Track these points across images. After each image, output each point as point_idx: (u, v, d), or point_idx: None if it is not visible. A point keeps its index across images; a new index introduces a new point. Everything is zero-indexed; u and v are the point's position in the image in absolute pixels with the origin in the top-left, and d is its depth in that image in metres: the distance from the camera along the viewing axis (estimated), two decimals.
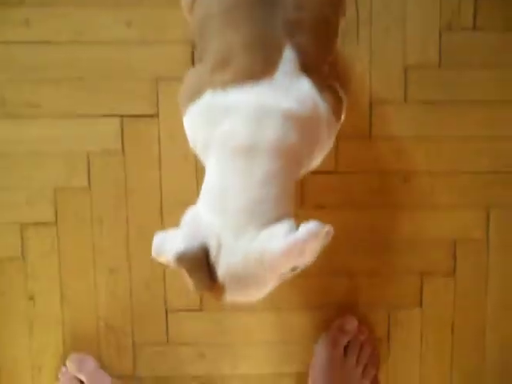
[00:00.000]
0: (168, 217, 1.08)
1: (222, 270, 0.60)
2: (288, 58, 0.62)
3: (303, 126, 0.64)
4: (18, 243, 1.07)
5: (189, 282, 0.62)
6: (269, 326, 1.11)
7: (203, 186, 0.67)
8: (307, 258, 0.59)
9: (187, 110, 0.72)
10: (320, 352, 1.06)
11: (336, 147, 1.06)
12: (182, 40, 1.04)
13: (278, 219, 0.62)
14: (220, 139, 0.65)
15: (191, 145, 0.77)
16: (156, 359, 1.11)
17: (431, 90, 1.07)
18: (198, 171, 1.06)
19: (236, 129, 0.63)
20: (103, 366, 1.09)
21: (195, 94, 0.68)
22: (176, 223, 1.06)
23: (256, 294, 0.63)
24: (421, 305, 1.11)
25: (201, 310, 1.10)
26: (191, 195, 1.06)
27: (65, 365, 1.07)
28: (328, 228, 0.59)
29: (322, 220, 1.07)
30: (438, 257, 1.10)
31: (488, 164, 1.09)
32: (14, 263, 1.08)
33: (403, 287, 1.11)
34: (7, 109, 1.04)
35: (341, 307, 1.11)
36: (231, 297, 0.61)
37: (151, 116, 1.06)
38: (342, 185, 1.08)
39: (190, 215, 0.65)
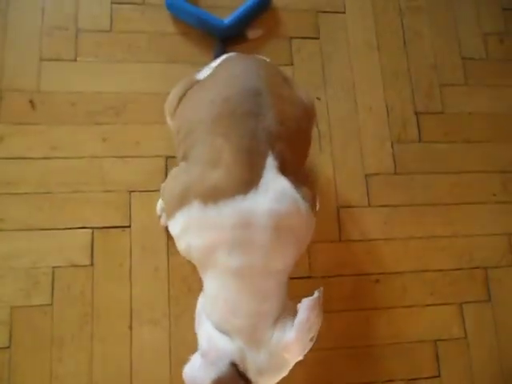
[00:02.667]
0: (137, 336, 1.00)
1: (254, 376, 0.67)
2: (271, 165, 0.69)
3: (288, 223, 0.69)
4: None
5: None
6: None
7: (208, 301, 0.72)
8: (315, 330, 0.68)
9: (174, 216, 0.72)
10: None
11: (309, 252, 1.08)
12: (154, 154, 1.08)
13: (282, 311, 0.71)
14: (217, 262, 0.68)
15: (182, 250, 0.75)
16: None
17: (391, 194, 1.16)
18: (170, 284, 1.03)
19: (230, 251, 0.67)
20: None
21: (183, 202, 0.70)
22: (145, 343, 0.99)
23: (282, 375, 0.71)
24: None
25: None
26: (163, 310, 1.01)
27: None
28: (319, 292, 0.69)
29: None
30: (421, 359, 1.07)
31: (452, 261, 1.14)
32: None
33: None
34: None
35: None
36: None
37: (123, 227, 1.04)
38: (315, 290, 1.07)
39: (206, 341, 0.70)
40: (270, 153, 0.70)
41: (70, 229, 1.03)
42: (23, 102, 1.08)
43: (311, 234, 0.76)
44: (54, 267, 1.00)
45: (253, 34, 1.18)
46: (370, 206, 1.14)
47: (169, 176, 0.79)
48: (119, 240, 1.03)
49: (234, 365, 0.66)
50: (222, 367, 0.66)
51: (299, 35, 1.23)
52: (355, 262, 1.10)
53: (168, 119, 0.89)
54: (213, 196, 0.67)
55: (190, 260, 0.75)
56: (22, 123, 1.07)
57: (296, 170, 0.74)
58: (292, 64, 1.21)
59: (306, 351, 0.69)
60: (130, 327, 1.00)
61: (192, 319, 1.01)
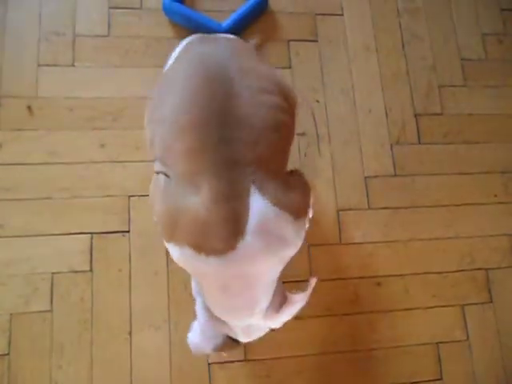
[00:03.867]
0: (137, 342, 0.99)
1: (244, 338, 0.81)
2: (254, 194, 0.65)
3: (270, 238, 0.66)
4: None
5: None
6: None
7: (205, 296, 0.77)
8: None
9: (168, 243, 0.70)
10: None
11: (310, 256, 1.08)
12: (152, 159, 1.08)
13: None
14: (209, 287, 0.71)
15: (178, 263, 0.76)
16: None
17: (391, 196, 1.15)
18: (170, 288, 1.02)
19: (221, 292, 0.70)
20: None
21: (174, 236, 0.67)
22: (145, 349, 0.98)
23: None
24: None
25: None
26: (162, 315, 1.00)
27: None
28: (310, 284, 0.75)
29: (301, 331, 1.05)
30: (423, 362, 1.06)
31: (454, 263, 1.13)
32: None
33: None
34: None
35: None
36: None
37: (122, 232, 1.04)
38: (317, 294, 1.06)
39: (202, 317, 0.80)
40: (251, 185, 0.65)
41: (69, 234, 1.02)
42: (21, 108, 1.08)
43: (299, 244, 0.74)
44: (53, 273, 1.00)
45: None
46: (370, 208, 1.13)
47: (152, 186, 0.75)
48: (118, 245, 1.03)
49: (228, 337, 0.82)
50: (218, 340, 0.81)
51: (297, 38, 1.23)
52: (356, 265, 1.09)
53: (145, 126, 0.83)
54: (204, 248, 0.64)
55: None
56: (21, 129, 1.06)
57: (281, 171, 0.72)
58: (290, 67, 1.21)
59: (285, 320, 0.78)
60: (130, 333, 0.99)
61: (192, 324, 1.01)
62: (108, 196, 1.05)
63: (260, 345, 1.02)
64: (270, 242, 0.65)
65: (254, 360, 1.01)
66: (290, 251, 0.69)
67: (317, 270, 1.07)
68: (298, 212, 0.69)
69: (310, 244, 1.08)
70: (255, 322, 0.76)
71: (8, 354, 0.95)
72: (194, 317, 1.01)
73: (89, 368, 0.97)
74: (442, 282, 1.11)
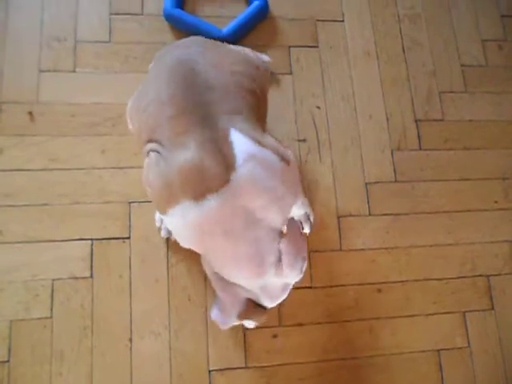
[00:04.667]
0: (137, 348, 0.99)
1: (267, 303, 0.80)
2: (236, 137, 0.74)
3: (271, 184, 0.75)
4: None
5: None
6: None
7: (215, 264, 0.77)
8: (304, 253, 0.77)
9: (166, 213, 0.76)
10: None
11: (310, 262, 1.07)
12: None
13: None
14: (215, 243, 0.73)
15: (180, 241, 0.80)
16: None
17: (392, 202, 1.15)
18: (170, 295, 1.02)
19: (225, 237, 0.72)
20: None
21: (172, 199, 0.74)
22: (145, 355, 0.98)
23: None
24: None
25: None
26: (163, 322, 1.00)
27: None
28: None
29: (301, 338, 1.04)
30: (424, 369, 1.06)
31: (454, 270, 1.13)
32: None
33: None
34: None
35: None
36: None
37: (123, 239, 1.04)
38: (318, 300, 1.06)
39: (221, 291, 0.79)
40: (231, 129, 0.74)
41: (70, 240, 1.02)
42: (22, 113, 1.08)
43: (297, 179, 0.83)
44: (53, 279, 1.00)
45: None
46: (370, 214, 1.13)
47: (145, 166, 0.81)
48: (119, 251, 1.03)
49: (251, 302, 0.79)
50: (240, 307, 0.78)
51: (298, 44, 1.23)
52: (357, 272, 1.09)
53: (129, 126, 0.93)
54: (201, 193, 0.71)
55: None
56: (21, 135, 1.06)
57: (257, 126, 0.79)
58: (291, 73, 1.21)
59: (301, 274, 0.77)
60: (130, 340, 0.99)
61: (192, 331, 1.00)
62: (108, 202, 1.05)
63: (260, 351, 1.01)
64: (259, 172, 0.73)
65: (255, 367, 1.01)
66: (281, 191, 0.75)
67: (317, 276, 1.07)
68: (278, 153, 0.77)
69: (311, 250, 1.08)
70: (269, 281, 0.76)
71: (8, 361, 0.95)
72: (198, 319, 1.01)
73: (89, 375, 0.96)
74: (442, 288, 1.11)
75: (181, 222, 0.73)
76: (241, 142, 0.73)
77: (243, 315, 0.78)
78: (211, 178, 0.70)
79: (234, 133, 0.74)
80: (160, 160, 0.76)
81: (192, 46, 0.84)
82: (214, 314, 0.79)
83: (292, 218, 0.78)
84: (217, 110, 0.75)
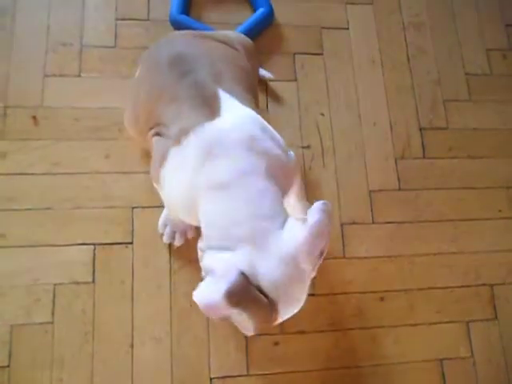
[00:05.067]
0: (139, 355, 0.98)
1: (268, 286, 0.62)
2: (224, 96, 0.75)
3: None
4: None
5: (245, 321, 0.63)
6: None
7: (205, 232, 0.70)
8: (326, 236, 0.64)
9: (160, 176, 0.77)
10: None
11: None
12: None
13: (283, 218, 0.67)
14: (205, 182, 0.70)
15: (174, 211, 0.79)
16: None
17: (395, 210, 1.15)
18: (173, 301, 1.01)
19: (215, 169, 0.69)
20: None
21: (164, 158, 0.75)
22: (147, 362, 0.98)
23: (302, 294, 0.66)
24: None
25: None
26: (164, 328, 0.99)
27: None
28: (327, 203, 0.66)
29: (304, 345, 1.04)
30: (427, 378, 1.04)
31: (458, 279, 1.12)
32: None
33: None
34: None
35: None
36: (284, 306, 0.65)
37: (125, 244, 1.03)
38: (321, 308, 1.06)
39: (209, 262, 0.66)
40: (219, 89, 0.76)
41: (72, 245, 1.02)
42: (27, 117, 1.08)
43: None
44: (55, 284, 0.99)
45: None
46: (374, 222, 1.13)
47: (154, 148, 0.82)
48: (121, 257, 1.03)
49: (244, 275, 0.62)
50: (231, 278, 0.61)
51: (303, 51, 1.24)
52: (360, 280, 1.09)
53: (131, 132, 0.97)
54: (184, 134, 0.72)
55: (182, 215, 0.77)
56: (25, 139, 1.06)
57: (245, 93, 0.81)
58: (296, 80, 1.21)
59: (317, 266, 0.66)
60: (132, 346, 0.98)
61: (194, 338, 1.00)
62: (112, 207, 1.05)
63: (262, 359, 1.01)
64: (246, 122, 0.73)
65: (257, 375, 1.00)
66: (269, 144, 0.73)
67: (320, 283, 1.07)
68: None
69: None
70: (274, 246, 0.64)
71: (8, 366, 0.94)
72: (200, 325, 1.00)
73: (89, 381, 0.95)
74: (446, 297, 1.10)
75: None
76: (227, 98, 0.75)
77: (233, 297, 0.60)
78: (199, 116, 0.73)
79: (221, 92, 0.75)
80: (164, 137, 0.78)
81: (174, 39, 0.87)
82: (199, 293, 0.62)
83: (320, 207, 0.65)
84: (203, 77, 0.77)
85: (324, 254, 0.66)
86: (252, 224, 0.65)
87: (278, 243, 0.64)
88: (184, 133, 0.72)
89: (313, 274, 0.66)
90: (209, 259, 0.67)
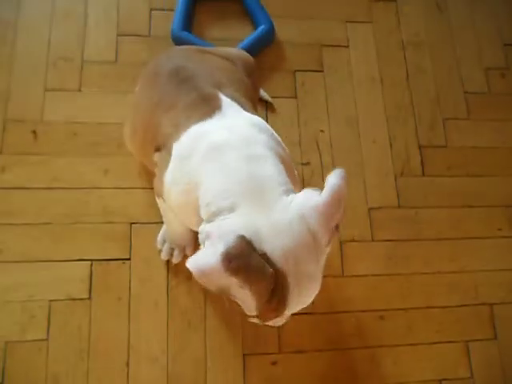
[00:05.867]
0: (134, 373, 0.96)
1: (274, 252, 0.53)
2: (224, 100, 0.73)
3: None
4: None
5: (247, 297, 0.53)
6: None
7: (204, 200, 0.62)
8: (344, 205, 0.56)
9: (163, 182, 0.74)
10: None
11: None
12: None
13: (287, 185, 0.62)
14: (206, 145, 0.66)
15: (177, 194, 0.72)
16: None
17: (395, 228, 1.14)
18: (170, 319, 1.00)
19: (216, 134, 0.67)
20: None
21: (166, 163, 0.73)
22: (142, 381, 0.96)
23: (316, 272, 0.58)
24: None
25: None
26: (161, 347, 0.98)
27: None
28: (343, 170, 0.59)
29: (302, 365, 1.02)
30: None
31: (458, 298, 1.11)
32: None
33: None
34: None
35: None
36: (294, 282, 0.54)
37: (123, 260, 1.02)
38: (319, 326, 1.05)
39: (207, 229, 0.59)
40: (219, 92, 0.74)
41: (69, 261, 1.01)
42: (26, 132, 1.08)
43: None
44: (50, 300, 0.98)
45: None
46: (373, 240, 1.12)
47: (158, 162, 0.79)
48: (118, 273, 1.01)
49: (245, 238, 0.53)
50: (229, 239, 0.52)
51: (303, 68, 1.24)
52: (359, 298, 1.08)
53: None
54: (185, 127, 0.70)
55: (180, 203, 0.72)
56: (24, 153, 1.06)
57: (247, 104, 0.79)
58: (296, 97, 1.21)
59: (332, 241, 0.59)
60: (127, 364, 0.97)
61: (191, 357, 0.99)
62: (110, 222, 1.04)
63: (260, 379, 0.99)
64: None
65: None
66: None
67: (318, 302, 1.06)
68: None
69: None
70: (277, 203, 0.58)
71: (1, 383, 0.93)
72: (197, 344, 0.99)
73: None
74: (445, 316, 1.09)
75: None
76: (228, 102, 0.72)
77: (231, 261, 0.51)
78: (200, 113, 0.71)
79: (221, 95, 0.73)
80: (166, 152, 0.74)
81: (174, 53, 0.87)
82: (193, 259, 0.53)
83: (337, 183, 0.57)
84: (202, 84, 0.75)
85: (339, 229, 0.60)
86: (254, 182, 0.59)
87: (286, 204, 0.57)
88: (184, 129, 0.70)
89: (328, 249, 0.58)
90: (207, 227, 0.59)
